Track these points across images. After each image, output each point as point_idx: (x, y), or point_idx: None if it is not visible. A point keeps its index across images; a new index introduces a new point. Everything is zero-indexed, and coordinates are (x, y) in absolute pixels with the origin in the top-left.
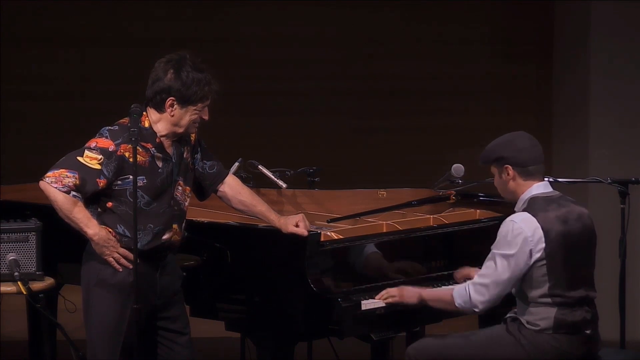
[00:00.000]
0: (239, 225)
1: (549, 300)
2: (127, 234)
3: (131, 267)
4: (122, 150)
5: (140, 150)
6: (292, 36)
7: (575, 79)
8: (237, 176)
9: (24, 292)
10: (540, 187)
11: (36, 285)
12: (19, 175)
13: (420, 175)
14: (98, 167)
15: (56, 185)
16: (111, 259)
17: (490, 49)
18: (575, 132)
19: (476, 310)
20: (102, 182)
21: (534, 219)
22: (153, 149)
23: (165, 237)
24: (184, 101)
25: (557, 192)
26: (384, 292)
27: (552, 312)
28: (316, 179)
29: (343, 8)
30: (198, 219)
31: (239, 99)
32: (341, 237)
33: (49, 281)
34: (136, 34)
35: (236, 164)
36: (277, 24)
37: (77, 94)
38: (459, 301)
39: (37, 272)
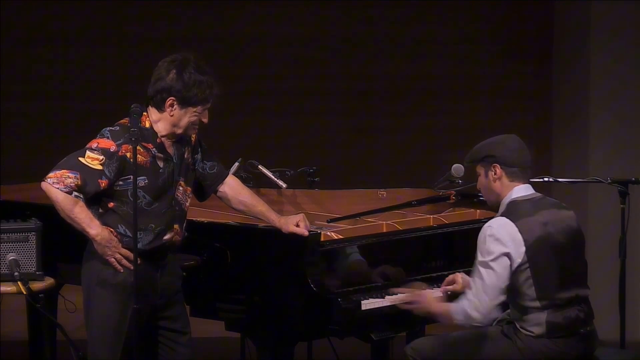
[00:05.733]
0: (239, 225)
1: (537, 304)
2: (129, 234)
3: (132, 267)
4: (123, 151)
5: (142, 150)
6: (292, 36)
7: (575, 79)
8: (237, 176)
9: (24, 292)
10: (521, 190)
11: (36, 285)
12: (19, 175)
13: (420, 175)
14: (100, 167)
15: (58, 186)
16: (113, 259)
17: (490, 49)
18: (575, 132)
19: (476, 324)
20: (103, 183)
21: (511, 224)
22: (154, 149)
23: (166, 237)
24: (184, 102)
25: (538, 194)
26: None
27: (542, 317)
28: (316, 179)
29: (343, 8)
30: (198, 219)
31: (239, 99)
32: (341, 237)
33: (49, 281)
34: (136, 34)
35: (236, 164)
36: (277, 24)
37: (77, 94)
38: (458, 318)
39: (37, 272)
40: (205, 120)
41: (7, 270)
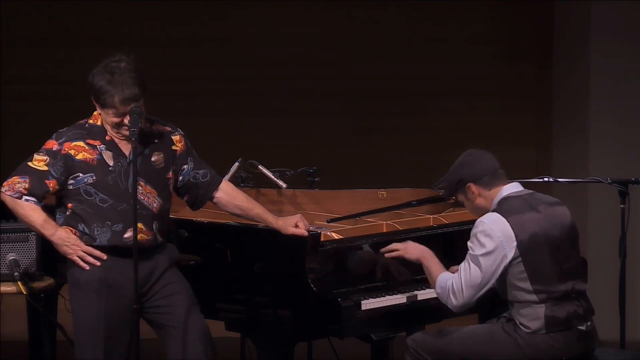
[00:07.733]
0: (239, 225)
1: (534, 298)
2: (87, 231)
3: (98, 264)
4: (65, 149)
5: (87, 147)
6: (292, 36)
7: (575, 79)
8: (237, 176)
9: (24, 292)
10: (511, 187)
11: (36, 285)
12: None
13: (420, 175)
14: (45, 168)
15: (9, 193)
16: (75, 257)
17: (490, 49)
18: (575, 132)
19: (450, 307)
20: (51, 183)
21: (502, 219)
22: (102, 146)
23: (126, 235)
24: (98, 104)
25: (528, 191)
26: (389, 246)
27: (540, 310)
28: (316, 179)
29: (343, 8)
30: (198, 219)
31: (239, 99)
32: (341, 237)
33: (49, 281)
34: (136, 34)
35: (236, 164)
36: (277, 24)
37: (77, 94)
38: (438, 290)
39: (37, 272)
40: (126, 121)
41: (7, 270)
